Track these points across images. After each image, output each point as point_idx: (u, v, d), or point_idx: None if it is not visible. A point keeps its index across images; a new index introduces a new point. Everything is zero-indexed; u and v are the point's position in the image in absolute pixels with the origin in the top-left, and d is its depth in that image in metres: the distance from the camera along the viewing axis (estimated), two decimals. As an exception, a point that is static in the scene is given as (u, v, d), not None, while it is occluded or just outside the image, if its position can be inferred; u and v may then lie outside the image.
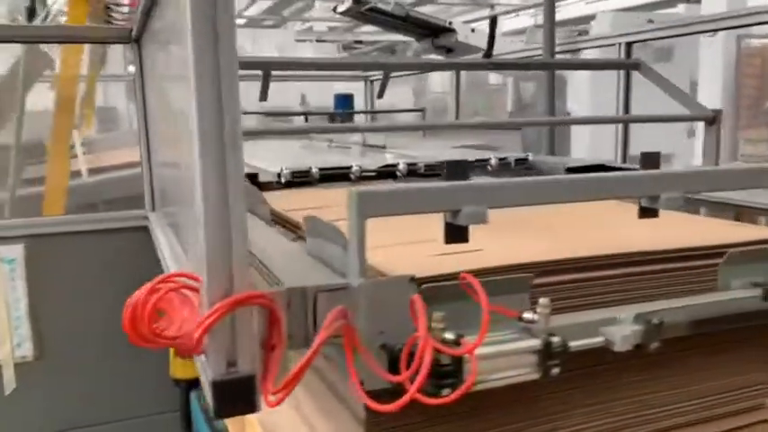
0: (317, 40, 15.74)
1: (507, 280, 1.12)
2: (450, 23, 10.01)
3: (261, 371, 0.89)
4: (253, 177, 2.25)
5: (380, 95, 2.94)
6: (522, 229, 1.44)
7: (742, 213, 1.93)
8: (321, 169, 2.32)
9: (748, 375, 1.39)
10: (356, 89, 5.16)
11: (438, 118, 8.56)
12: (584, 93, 8.10)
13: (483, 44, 6.69)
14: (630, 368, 1.22)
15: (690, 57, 8.36)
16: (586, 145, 7.46)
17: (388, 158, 2.77)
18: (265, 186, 2.25)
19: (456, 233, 1.08)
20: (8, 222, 2.29)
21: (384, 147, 3.32)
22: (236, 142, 0.85)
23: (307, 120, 4.70)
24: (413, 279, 1.02)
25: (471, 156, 2.68)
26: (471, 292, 1.01)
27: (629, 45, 3.14)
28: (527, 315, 1.05)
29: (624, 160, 3.25)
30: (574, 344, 1.06)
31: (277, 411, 1.49)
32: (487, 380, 1.00)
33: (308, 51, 14.14)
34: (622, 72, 3.08)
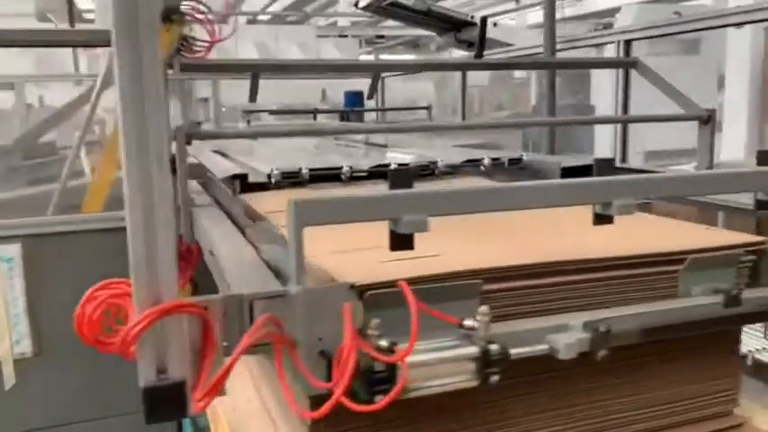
0: (339, 36, 15.74)
1: (455, 286, 1.13)
2: (471, 17, 9.96)
3: (191, 377, 0.91)
4: (243, 178, 2.28)
5: (370, 96, 2.94)
6: (486, 234, 1.44)
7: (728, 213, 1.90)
8: (311, 170, 2.34)
9: (714, 382, 1.38)
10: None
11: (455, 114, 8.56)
12: (608, 87, 8.00)
13: (506, 38, 6.62)
14: (579, 376, 1.22)
15: (718, 49, 8.20)
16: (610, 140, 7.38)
17: (388, 158, 2.77)
18: (255, 187, 2.27)
19: (400, 241, 1.08)
20: (6, 222, 2.35)
21: (386, 146, 3.33)
22: (161, 159, 0.87)
23: (315, 117, 4.73)
24: (353, 286, 1.03)
25: (468, 155, 2.68)
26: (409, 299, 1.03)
27: (627, 43, 3.10)
28: (467, 322, 1.05)
29: (624, 158, 3.22)
30: (515, 351, 1.06)
31: (246, 412, 1.52)
32: (423, 387, 1.01)
33: (329, 47, 14.13)
34: (621, 70, 3.06)
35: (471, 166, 2.54)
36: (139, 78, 0.85)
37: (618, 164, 2.71)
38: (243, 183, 2.27)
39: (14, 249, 2.29)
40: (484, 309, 1.04)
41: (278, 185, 2.30)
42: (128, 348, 0.86)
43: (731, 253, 1.31)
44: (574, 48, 3.61)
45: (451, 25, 10.80)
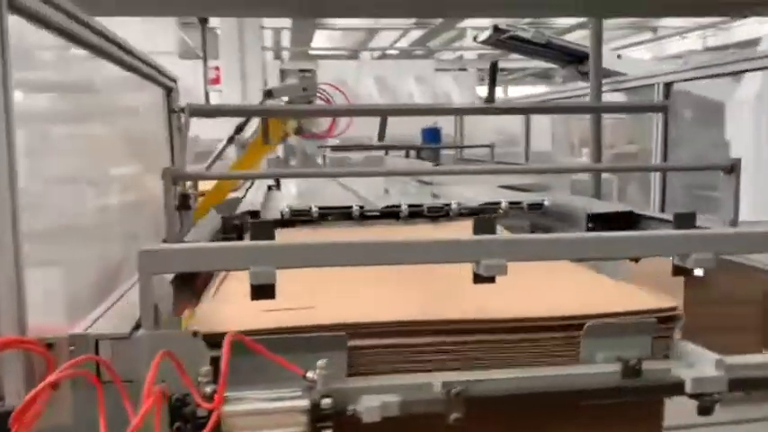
0: (459, 69, 15.84)
1: (318, 338, 1.16)
2: None
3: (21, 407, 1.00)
4: (254, 215, 2.40)
5: (380, 138, 2.98)
6: (404, 282, 1.45)
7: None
8: (320, 208, 2.42)
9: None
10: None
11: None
12: (747, 119, 7.45)
13: (629, 69, 6.34)
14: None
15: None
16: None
17: (431, 196, 2.81)
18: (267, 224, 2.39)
19: (260, 291, 1.13)
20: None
21: (431, 183, 3.34)
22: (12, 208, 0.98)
23: (387, 153, 4.81)
24: (195, 334, 1.09)
25: (494, 197, 2.65)
26: (256, 350, 1.08)
27: (667, 86, 2.91)
28: (309, 374, 1.08)
29: (662, 208, 3.00)
30: (353, 407, 1.08)
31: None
32: (251, 435, 1.05)
33: (447, 81, 14.27)
34: (660, 115, 2.86)
35: (487, 210, 2.52)
36: None
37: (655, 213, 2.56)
38: (253, 220, 2.39)
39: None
40: (321, 362, 1.07)
41: (289, 223, 2.41)
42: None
43: (641, 321, 1.24)
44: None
45: (573, 57, 10.59)
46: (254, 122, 3.16)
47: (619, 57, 9.71)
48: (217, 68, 9.24)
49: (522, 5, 2.47)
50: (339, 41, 19.14)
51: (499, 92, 17.74)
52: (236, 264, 1.09)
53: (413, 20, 16.50)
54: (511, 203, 2.53)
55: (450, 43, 18.45)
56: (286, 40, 18.21)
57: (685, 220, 1.25)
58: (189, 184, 2.20)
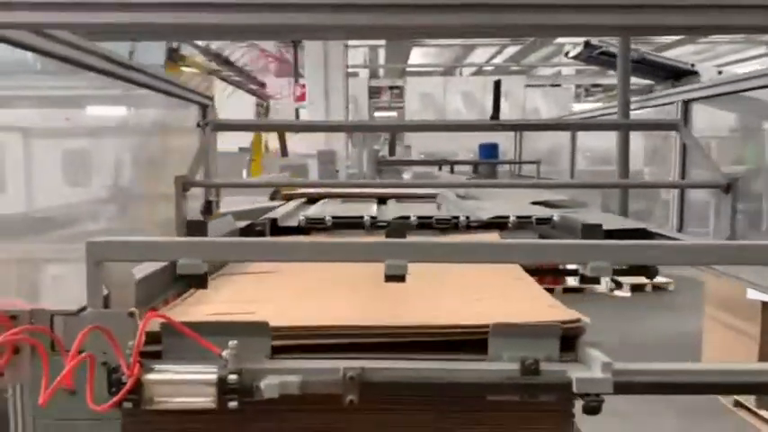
0: (552, 85, 15.66)
1: (240, 324, 1.33)
2: (692, 66, 9.67)
3: (-12, 367, 1.23)
4: (273, 222, 2.60)
5: (391, 153, 3.09)
6: (354, 291, 1.61)
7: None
8: (334, 218, 2.59)
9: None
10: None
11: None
12: None
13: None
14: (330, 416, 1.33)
15: None
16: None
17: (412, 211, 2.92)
18: (283, 231, 2.59)
19: (194, 281, 1.32)
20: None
21: (464, 197, 3.44)
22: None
23: (452, 170, 4.91)
24: (131, 314, 1.29)
25: (521, 211, 2.72)
26: (179, 329, 1.26)
27: (686, 103, 2.86)
28: (224, 353, 1.24)
29: (681, 226, 2.94)
30: (259, 383, 1.23)
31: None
32: (168, 402, 1.22)
33: (536, 97, 14.18)
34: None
35: (496, 224, 2.60)
36: None
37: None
38: (272, 227, 2.60)
39: None
40: (232, 343, 1.23)
41: (304, 231, 2.59)
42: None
43: (545, 324, 1.33)
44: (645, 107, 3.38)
45: (669, 73, 10.38)
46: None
47: (720, 73, 9.36)
48: (303, 86, 9.66)
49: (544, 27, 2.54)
50: (434, 58, 19.42)
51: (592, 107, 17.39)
52: (165, 256, 1.28)
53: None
54: (519, 218, 2.61)
55: (549, 59, 18.29)
56: (382, 58, 18.70)
57: (592, 232, 1.33)
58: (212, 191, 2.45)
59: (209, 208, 2.44)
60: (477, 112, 13.41)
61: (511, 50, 18.07)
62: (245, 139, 10.35)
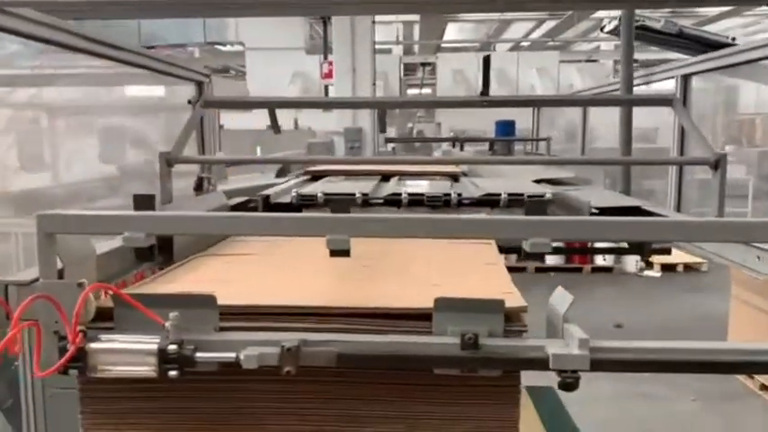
0: (587, 60, 15.34)
1: (189, 297, 1.36)
2: (732, 39, 9.43)
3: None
4: (266, 199, 2.63)
5: (382, 130, 3.08)
6: (321, 273, 1.65)
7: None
8: (326, 194, 2.60)
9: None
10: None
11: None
12: None
13: None
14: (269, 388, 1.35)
15: None
16: None
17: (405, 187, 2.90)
18: (275, 207, 2.61)
19: (140, 253, 1.35)
20: None
21: (465, 174, 3.41)
22: None
23: (462, 147, 4.87)
24: (80, 284, 1.33)
25: (517, 189, 2.69)
26: (124, 298, 1.30)
27: (685, 78, 2.75)
28: (166, 324, 1.28)
29: (679, 203, 2.85)
30: (200, 355, 1.26)
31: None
32: (111, 370, 1.26)
33: (572, 72, 13.90)
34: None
35: (486, 202, 2.58)
36: None
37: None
38: (264, 204, 2.62)
39: None
40: (173, 315, 1.26)
41: (296, 208, 2.61)
42: None
43: (488, 300, 1.33)
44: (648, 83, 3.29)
45: (708, 47, 10.12)
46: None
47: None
48: (330, 63, 9.66)
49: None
50: (470, 34, 19.18)
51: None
52: (110, 229, 1.31)
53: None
54: (511, 195, 2.58)
55: (587, 34, 17.90)
56: (417, 33, 18.54)
57: (536, 208, 1.32)
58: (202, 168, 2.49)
59: (200, 184, 2.49)
60: (509, 88, 13.23)
61: (548, 25, 17.75)
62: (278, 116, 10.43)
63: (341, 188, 2.74)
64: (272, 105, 2.68)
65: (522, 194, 2.60)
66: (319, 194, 2.62)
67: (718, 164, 2.10)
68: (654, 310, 7.85)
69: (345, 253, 1.33)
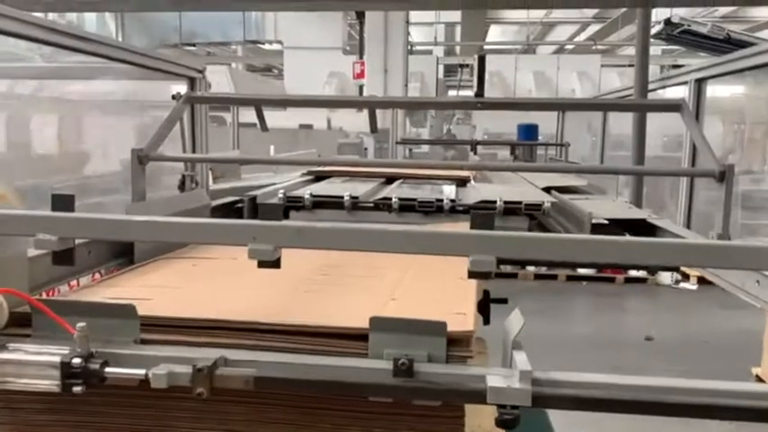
0: (629, 65, 14.92)
1: (108, 306, 1.27)
2: None
3: None
4: (252, 200, 2.54)
5: (373, 130, 2.94)
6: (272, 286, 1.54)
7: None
8: (314, 196, 2.50)
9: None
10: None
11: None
12: None
13: None
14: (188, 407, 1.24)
15: None
16: None
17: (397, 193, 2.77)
18: (260, 209, 2.52)
19: (59, 257, 1.26)
20: None
21: (475, 177, 3.26)
22: None
23: (475, 151, 4.70)
24: (-7, 292, 1.24)
25: (516, 196, 2.55)
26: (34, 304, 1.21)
27: (699, 82, 2.54)
28: (75, 335, 1.18)
29: (689, 216, 2.64)
30: (109, 370, 1.16)
31: None
32: (14, 382, 1.17)
33: (612, 76, 13.53)
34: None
35: (482, 209, 2.44)
36: None
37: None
38: (251, 205, 2.54)
39: None
40: (81, 325, 1.17)
41: (286, 210, 2.52)
42: None
43: (427, 321, 1.20)
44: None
45: (757, 54, 9.62)
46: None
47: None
48: (362, 63, 9.57)
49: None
50: (513, 36, 18.88)
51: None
52: (24, 230, 1.23)
53: (591, 13, 15.85)
54: (507, 203, 2.44)
55: (632, 39, 17.47)
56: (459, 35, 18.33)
57: (484, 222, 1.18)
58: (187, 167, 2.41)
59: (183, 182, 2.41)
60: (548, 91, 12.94)
61: (593, 29, 17.35)
62: (308, 115, 10.39)
63: (333, 190, 2.63)
64: (257, 103, 2.59)
65: (520, 202, 2.46)
66: (306, 196, 2.52)
67: (723, 176, 1.92)
68: (687, 323, 7.52)
69: (274, 264, 1.22)
